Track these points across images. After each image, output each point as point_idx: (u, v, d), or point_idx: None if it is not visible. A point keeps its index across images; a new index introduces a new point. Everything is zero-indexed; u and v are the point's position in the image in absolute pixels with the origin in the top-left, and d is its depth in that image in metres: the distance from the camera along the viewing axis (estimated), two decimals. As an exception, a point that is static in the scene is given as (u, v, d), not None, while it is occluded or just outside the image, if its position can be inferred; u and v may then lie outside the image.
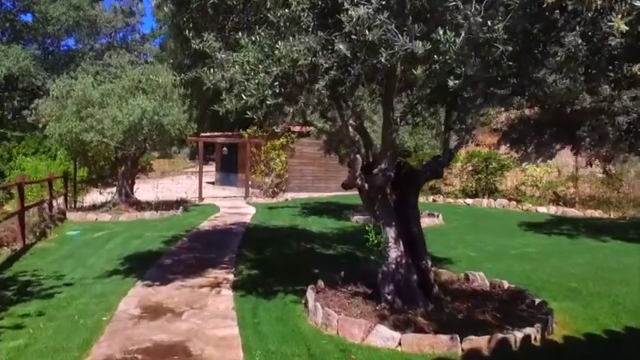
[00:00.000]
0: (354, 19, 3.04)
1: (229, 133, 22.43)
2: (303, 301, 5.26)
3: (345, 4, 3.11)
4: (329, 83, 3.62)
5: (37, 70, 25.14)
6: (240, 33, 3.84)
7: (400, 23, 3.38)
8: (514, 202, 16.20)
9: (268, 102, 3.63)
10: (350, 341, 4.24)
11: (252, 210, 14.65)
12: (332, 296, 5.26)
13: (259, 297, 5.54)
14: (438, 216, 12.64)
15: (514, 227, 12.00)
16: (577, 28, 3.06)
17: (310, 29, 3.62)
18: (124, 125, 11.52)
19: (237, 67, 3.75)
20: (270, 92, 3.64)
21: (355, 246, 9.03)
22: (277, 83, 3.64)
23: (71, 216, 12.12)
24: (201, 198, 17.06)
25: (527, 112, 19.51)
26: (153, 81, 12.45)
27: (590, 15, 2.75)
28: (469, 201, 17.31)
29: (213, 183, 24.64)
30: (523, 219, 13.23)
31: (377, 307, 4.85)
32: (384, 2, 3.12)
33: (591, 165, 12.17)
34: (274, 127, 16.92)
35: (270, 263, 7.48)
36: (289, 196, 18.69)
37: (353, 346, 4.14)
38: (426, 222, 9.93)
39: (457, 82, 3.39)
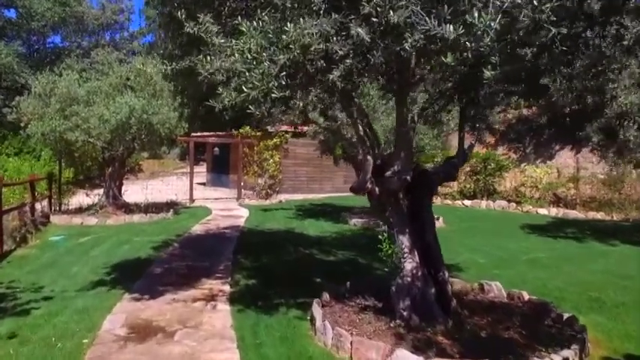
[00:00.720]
0: None
1: (221, 133, 21.86)
2: (308, 317, 4.77)
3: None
4: (344, 73, 3.14)
5: (21, 68, 24.33)
6: (239, 18, 3.35)
7: (428, 3, 2.93)
8: (513, 204, 15.86)
9: (274, 95, 3.14)
10: (366, 367, 3.76)
11: (245, 212, 14.12)
12: (340, 311, 4.78)
13: (259, 312, 5.02)
14: (438, 218, 12.21)
15: (517, 230, 11.66)
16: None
17: (322, 12, 3.14)
18: (110, 124, 10.93)
19: (237, 55, 3.26)
20: (275, 84, 3.15)
21: (357, 252, 8.58)
22: (284, 73, 3.15)
23: (55, 219, 11.49)
24: (192, 200, 16.49)
25: (524, 111, 19.24)
26: (142, 78, 11.89)
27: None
28: (467, 202, 16.94)
29: (204, 184, 24.04)
30: (524, 221, 12.90)
31: (391, 324, 4.38)
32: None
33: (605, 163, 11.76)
34: (268, 127, 16.49)
35: (269, 272, 6.97)
36: (283, 197, 18.18)
37: (369, 373, 3.67)
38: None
39: (493, 72, 2.94)
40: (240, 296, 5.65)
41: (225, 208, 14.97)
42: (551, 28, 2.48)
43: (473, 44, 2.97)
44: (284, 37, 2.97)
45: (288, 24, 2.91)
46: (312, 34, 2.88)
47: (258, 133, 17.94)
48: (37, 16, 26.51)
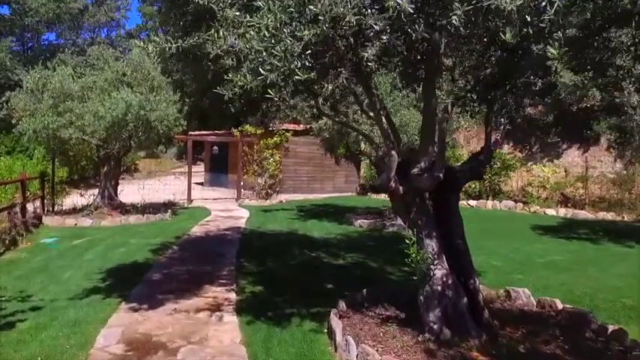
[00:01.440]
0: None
1: (220, 132, 21.36)
2: (325, 330, 4.31)
3: None
4: (379, 52, 2.68)
5: (14, 64, 23.74)
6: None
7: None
8: (520, 204, 15.44)
9: (297, 77, 2.68)
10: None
11: (245, 213, 13.64)
12: (360, 323, 4.32)
13: (270, 324, 4.55)
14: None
15: (528, 231, 11.26)
16: None
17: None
18: (106, 121, 10.42)
19: (252, 32, 2.80)
20: (299, 64, 2.70)
21: (365, 254, 8.14)
22: (309, 52, 2.69)
23: (48, 221, 10.98)
24: (190, 200, 15.99)
25: (530, 110, 18.83)
26: (139, 73, 11.40)
27: None
28: (472, 202, 16.51)
29: (202, 184, 23.52)
30: (534, 222, 12.50)
31: (419, 339, 3.93)
32: None
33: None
34: (272, 124, 15.98)
35: (275, 277, 6.51)
36: (283, 197, 17.70)
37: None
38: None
39: (558, 51, 2.50)
40: (247, 305, 5.17)
41: (224, 209, 14.49)
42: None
43: (535, 18, 2.53)
44: (311, 7, 2.51)
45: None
46: (347, 3, 2.42)
47: (259, 131, 17.43)
48: (31, 12, 25.93)
